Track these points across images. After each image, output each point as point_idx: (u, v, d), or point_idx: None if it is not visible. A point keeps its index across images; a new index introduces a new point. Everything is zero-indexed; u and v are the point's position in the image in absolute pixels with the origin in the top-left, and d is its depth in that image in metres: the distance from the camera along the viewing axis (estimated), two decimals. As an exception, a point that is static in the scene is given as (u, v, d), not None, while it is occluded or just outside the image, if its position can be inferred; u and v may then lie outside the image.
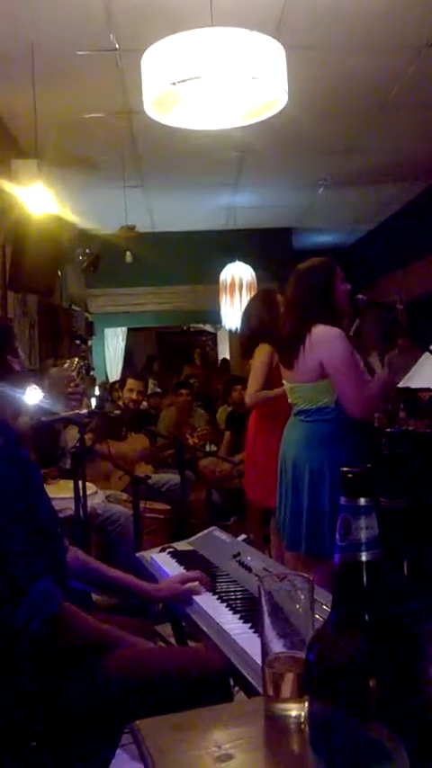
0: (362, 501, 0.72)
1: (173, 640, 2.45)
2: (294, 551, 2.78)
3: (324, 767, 0.69)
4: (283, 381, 2.98)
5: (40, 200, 4.19)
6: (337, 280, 2.79)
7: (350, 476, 0.72)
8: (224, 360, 10.30)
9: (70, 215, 5.32)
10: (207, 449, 6.17)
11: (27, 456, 1.73)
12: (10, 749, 1.53)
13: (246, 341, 4.05)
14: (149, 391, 8.32)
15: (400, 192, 7.07)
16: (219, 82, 2.59)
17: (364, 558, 0.71)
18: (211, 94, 2.71)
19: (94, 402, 6.53)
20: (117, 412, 5.22)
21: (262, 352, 3.72)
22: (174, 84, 2.52)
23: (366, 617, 0.70)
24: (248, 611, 1.70)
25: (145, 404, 6.71)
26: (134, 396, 5.37)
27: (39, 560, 1.58)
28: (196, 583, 1.94)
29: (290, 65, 2.63)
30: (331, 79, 4.36)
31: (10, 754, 1.53)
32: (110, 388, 6.70)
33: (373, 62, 4.16)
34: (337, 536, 0.72)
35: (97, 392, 6.82)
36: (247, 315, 4.09)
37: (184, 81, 2.50)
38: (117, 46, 3.79)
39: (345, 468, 0.73)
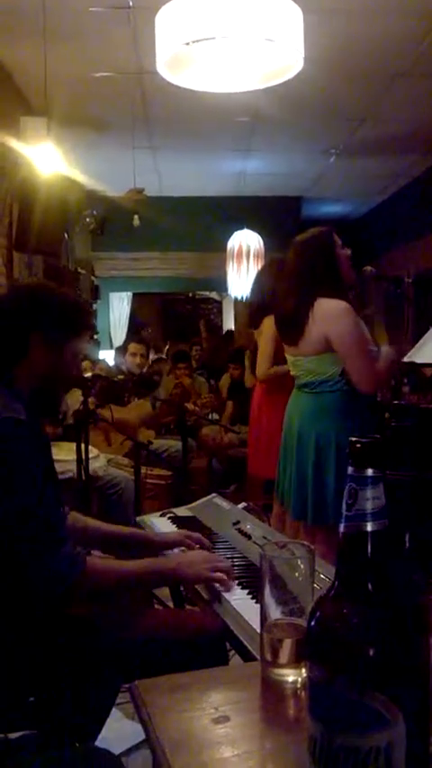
0: (369, 471, 0.71)
1: (170, 604, 2.48)
2: (299, 521, 2.78)
3: (321, 732, 0.70)
4: (286, 355, 2.95)
5: (49, 159, 4.14)
6: (336, 247, 2.74)
7: (358, 446, 0.72)
8: (229, 331, 10.26)
9: (78, 175, 5.26)
10: (210, 417, 6.18)
11: (40, 423, 1.74)
12: (9, 704, 1.55)
13: (254, 311, 3.99)
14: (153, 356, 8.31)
15: (413, 164, 6.98)
16: (233, 43, 2.53)
17: (369, 528, 0.70)
18: (225, 56, 2.65)
19: (111, 365, 6.52)
20: (121, 377, 5.22)
21: (269, 325, 3.67)
22: (187, 44, 2.46)
23: (370, 587, 0.70)
24: (246, 577, 1.71)
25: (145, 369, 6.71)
26: (137, 360, 5.39)
27: (62, 527, 1.61)
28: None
29: (304, 29, 2.57)
30: (346, 45, 4.26)
31: (9, 708, 1.55)
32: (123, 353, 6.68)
33: (389, 29, 4.07)
34: (344, 506, 0.72)
35: (114, 357, 6.77)
36: (257, 284, 4.02)
37: (198, 41, 2.44)
38: (131, 3, 3.71)
39: (353, 438, 0.72)
